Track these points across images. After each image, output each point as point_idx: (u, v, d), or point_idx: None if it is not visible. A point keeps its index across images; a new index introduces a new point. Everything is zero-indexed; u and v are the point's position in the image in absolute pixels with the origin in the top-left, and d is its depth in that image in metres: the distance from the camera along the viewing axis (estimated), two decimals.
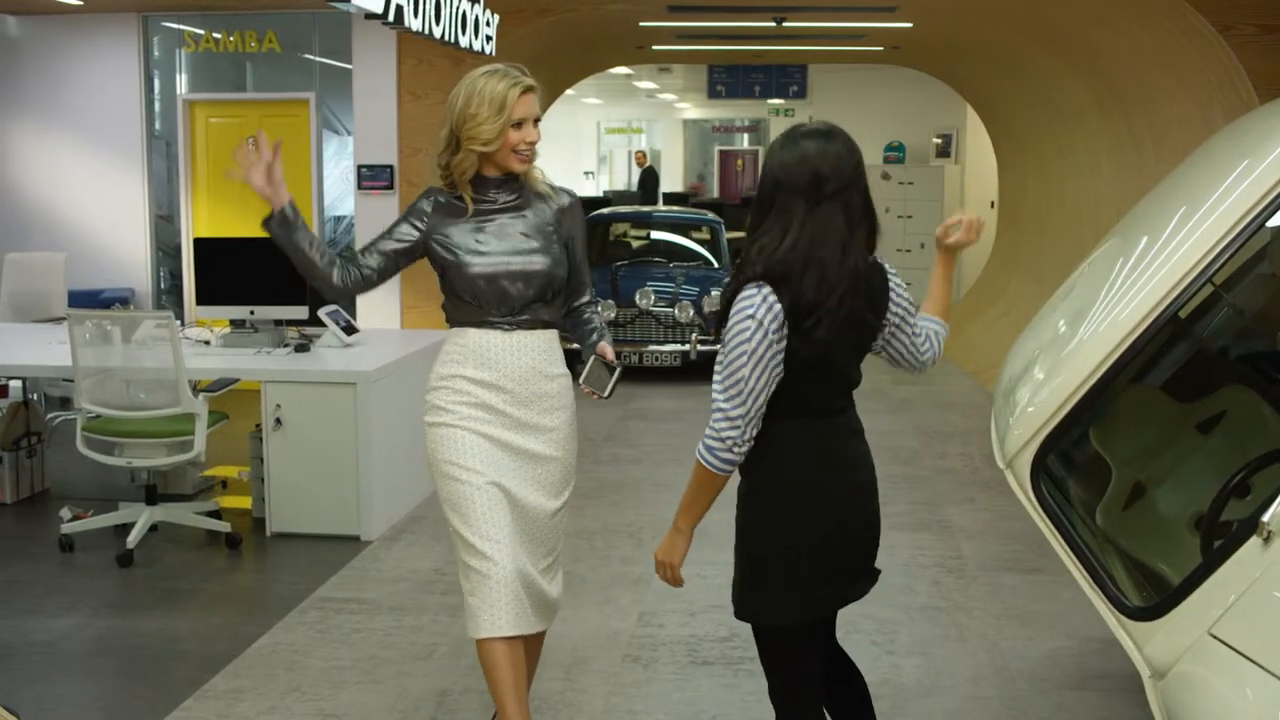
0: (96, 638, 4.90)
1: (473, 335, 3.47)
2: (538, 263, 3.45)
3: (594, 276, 12.28)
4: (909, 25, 10.65)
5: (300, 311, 6.70)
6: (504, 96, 3.34)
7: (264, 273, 6.63)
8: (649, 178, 21.57)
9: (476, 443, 3.43)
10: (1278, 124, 3.13)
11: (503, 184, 3.48)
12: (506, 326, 3.46)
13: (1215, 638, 2.47)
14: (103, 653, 4.76)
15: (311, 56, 10.10)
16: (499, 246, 3.43)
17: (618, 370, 3.53)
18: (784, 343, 2.61)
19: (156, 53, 10.14)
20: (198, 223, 10.16)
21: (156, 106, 10.18)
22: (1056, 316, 3.59)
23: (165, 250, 10.34)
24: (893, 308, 2.86)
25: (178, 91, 10.17)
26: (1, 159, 10.27)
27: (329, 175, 10.20)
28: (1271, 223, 3.17)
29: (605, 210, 13.26)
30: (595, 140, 28.13)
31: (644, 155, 23.91)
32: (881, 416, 9.10)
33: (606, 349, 3.55)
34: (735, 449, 2.66)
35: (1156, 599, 2.73)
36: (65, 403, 8.81)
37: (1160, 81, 8.63)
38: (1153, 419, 3.77)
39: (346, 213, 10.23)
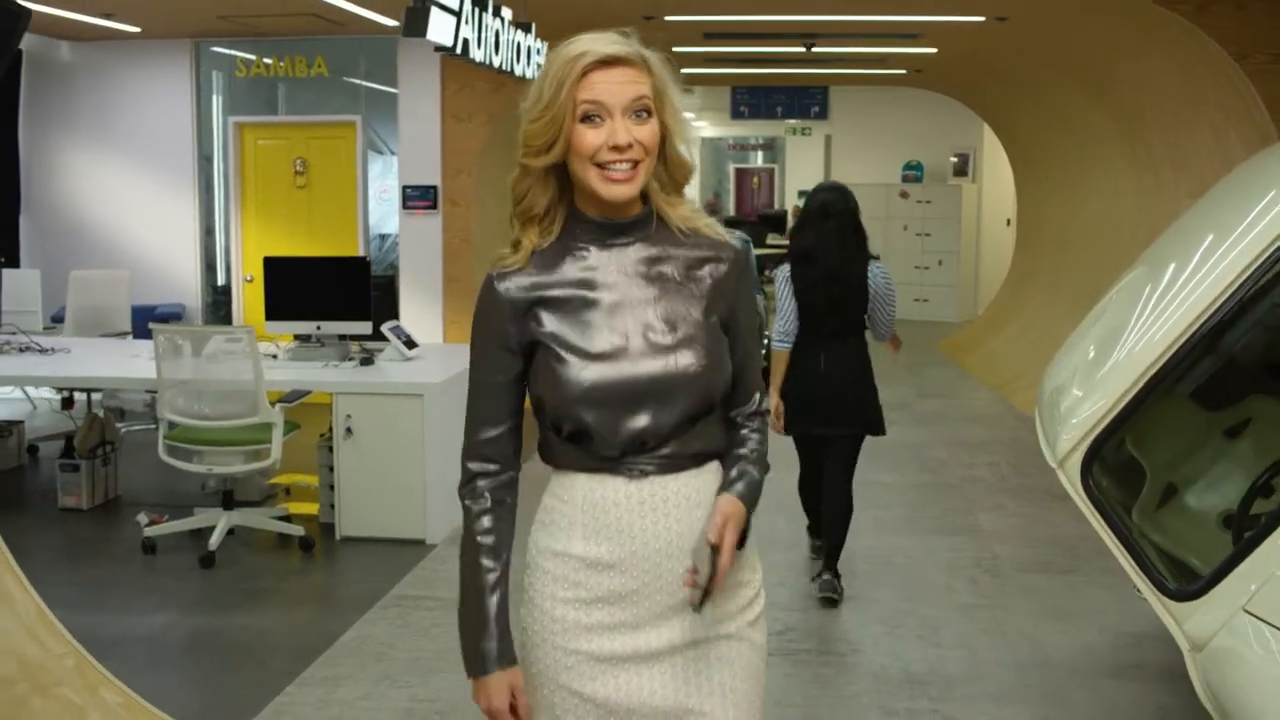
0: (192, 633, 5.25)
1: (582, 486, 2.15)
2: (686, 363, 2.12)
3: None
4: (933, 50, 11.02)
5: (364, 326, 7.07)
6: (564, 72, 2.06)
7: (330, 289, 7.01)
8: None
9: (578, 709, 2.17)
10: None
11: (620, 230, 2.16)
12: (634, 471, 2.14)
13: (1249, 613, 2.81)
14: (200, 646, 5.12)
15: (357, 80, 10.48)
16: (614, 338, 2.12)
17: (715, 560, 2.06)
18: (794, 294, 5.41)
19: (208, 77, 10.53)
20: (246, 241, 10.53)
21: (212, 130, 10.57)
22: (1090, 339, 3.94)
23: (212, 267, 10.72)
24: (871, 285, 5.42)
25: (228, 114, 10.56)
26: (59, 180, 10.67)
27: (373, 195, 10.58)
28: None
29: None
30: None
31: None
32: (910, 428, 9.43)
33: (726, 513, 2.10)
34: (784, 340, 5.46)
35: (1196, 583, 3.07)
36: (123, 414, 9.20)
37: (1178, 108, 8.98)
38: (1184, 427, 4.10)
39: (391, 231, 10.60)
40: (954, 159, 17.67)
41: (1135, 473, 3.97)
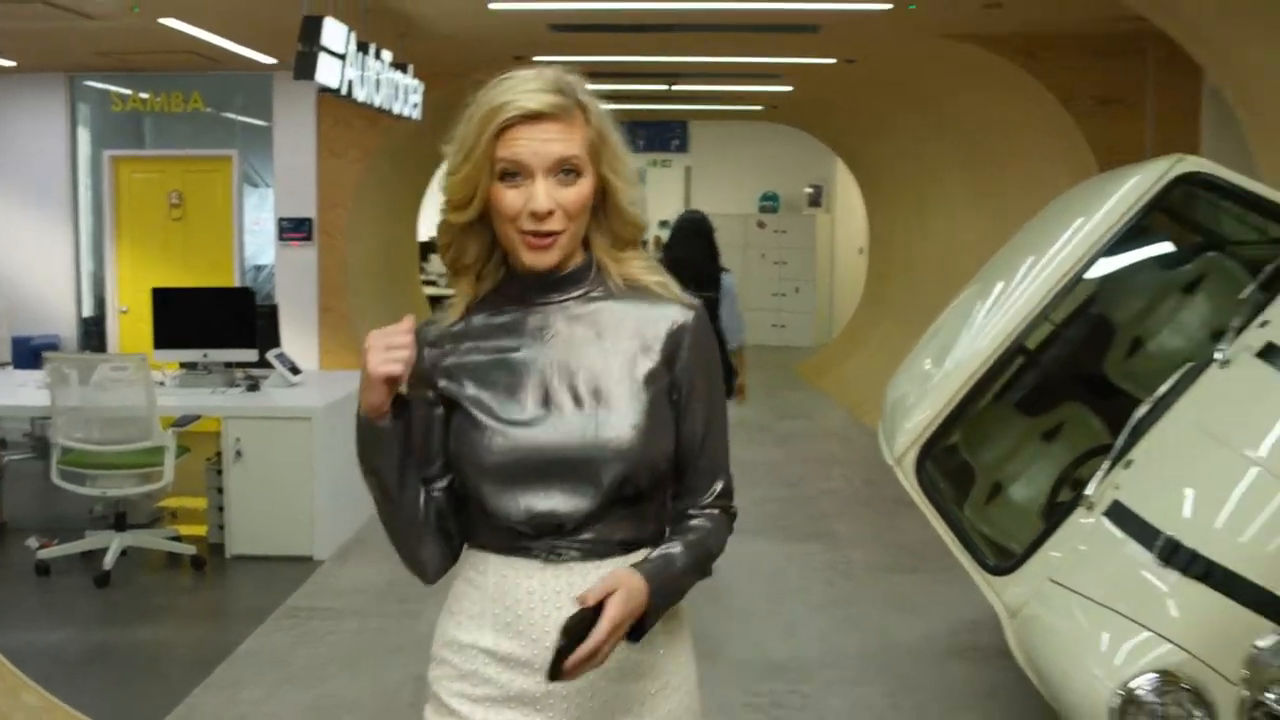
0: (94, 647, 5.49)
1: (495, 569, 1.94)
2: (610, 435, 1.89)
3: None
4: (789, 89, 11.65)
5: (249, 354, 7.33)
6: (483, 124, 1.87)
7: (216, 319, 7.28)
8: None
9: None
10: (1102, 192, 4.02)
11: (552, 285, 1.96)
12: (549, 554, 1.92)
13: (1054, 581, 3.31)
14: (102, 659, 5.36)
15: (233, 115, 10.72)
16: (531, 404, 1.92)
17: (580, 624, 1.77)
18: None
19: (83, 111, 10.67)
20: (121, 273, 10.67)
21: (87, 163, 10.70)
22: (926, 352, 4.46)
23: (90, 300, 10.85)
24: (722, 286, 6.26)
25: (101, 148, 10.71)
26: None
27: (248, 227, 10.81)
28: (1097, 273, 4.09)
29: None
30: None
31: None
32: (769, 448, 9.97)
33: (619, 582, 1.81)
34: None
35: (1011, 560, 3.59)
36: (4, 443, 9.28)
37: (1012, 143, 9.72)
38: (1008, 432, 4.64)
39: (267, 262, 10.84)
40: (809, 190, 18.41)
41: (967, 473, 4.50)
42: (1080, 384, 4.56)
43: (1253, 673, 2.70)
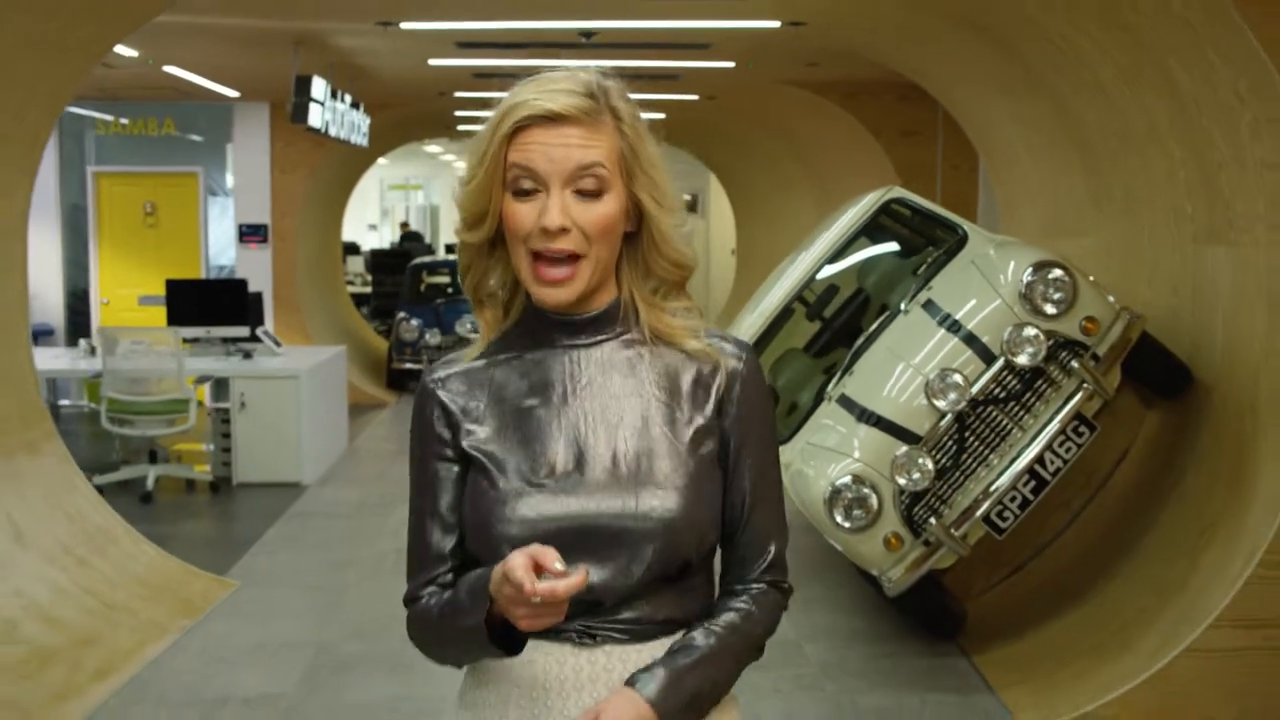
0: (157, 537, 7.56)
1: (518, 655, 1.68)
2: (651, 505, 1.67)
3: (418, 312, 15.77)
4: (663, 115, 13.98)
5: (242, 330, 9.41)
6: (494, 127, 1.66)
7: (217, 302, 9.37)
8: (412, 238, 24.67)
9: None
10: (845, 210, 6.32)
11: (579, 328, 1.74)
12: (583, 636, 1.70)
13: (809, 444, 5.58)
14: (166, 543, 7.43)
15: (199, 138, 12.74)
16: (563, 462, 1.70)
17: None
18: None
19: (70, 133, 12.60)
20: (103, 271, 12.63)
21: (70, 178, 12.64)
22: (748, 306, 6.72)
23: (75, 294, 12.78)
24: None
25: (87, 165, 12.65)
26: None
27: (213, 232, 12.84)
28: (853, 261, 6.41)
29: (425, 259, 16.09)
30: (379, 196, 30.87)
31: (406, 224, 27.24)
32: None
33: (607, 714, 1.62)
34: None
35: (788, 434, 5.87)
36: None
37: (841, 163, 12.14)
38: (802, 369, 6.93)
39: (228, 262, 12.87)
40: (687, 198, 20.82)
41: (773, 396, 6.78)
42: (847, 334, 6.87)
43: (894, 469, 5.00)
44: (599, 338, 1.73)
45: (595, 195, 1.64)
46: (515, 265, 1.68)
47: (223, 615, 5.99)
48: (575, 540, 1.64)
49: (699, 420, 1.72)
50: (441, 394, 1.75)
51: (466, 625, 1.63)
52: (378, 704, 4.89)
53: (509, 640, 1.64)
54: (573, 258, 1.65)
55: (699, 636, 1.69)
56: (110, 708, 4.82)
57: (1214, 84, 4.82)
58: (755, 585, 1.76)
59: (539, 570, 1.52)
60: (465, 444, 1.72)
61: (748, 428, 1.75)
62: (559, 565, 1.52)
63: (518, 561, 1.52)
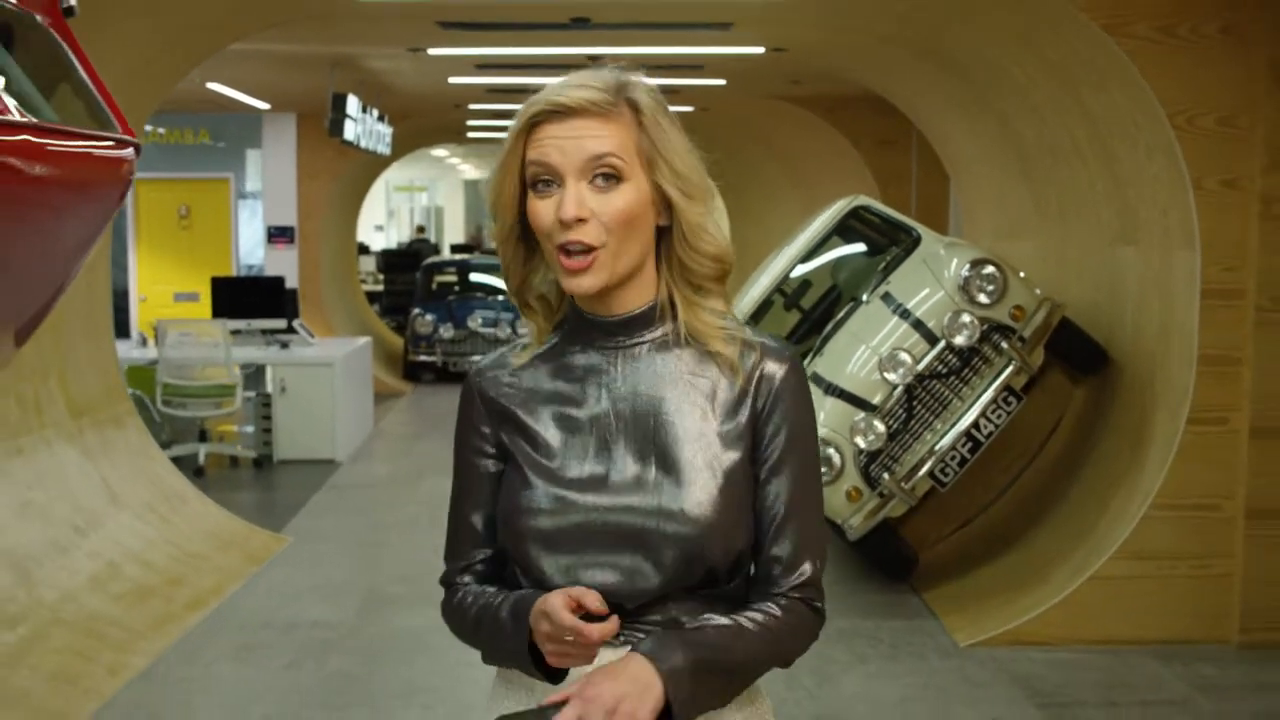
0: (217, 502, 8.56)
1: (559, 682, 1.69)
2: (676, 508, 1.66)
3: (431, 308, 16.85)
4: (690, 109, 15.02)
5: (279, 323, 10.41)
6: (519, 117, 1.69)
7: (256, 298, 10.36)
8: (421, 241, 25.43)
9: None
10: (817, 215, 7.31)
11: (614, 329, 1.75)
12: (615, 639, 1.64)
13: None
14: (226, 506, 8.43)
15: (228, 145, 13.74)
16: (592, 463, 1.71)
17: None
18: None
19: None
20: (140, 270, 13.62)
21: None
22: (738, 295, 7.71)
23: (116, 292, 13.76)
24: None
25: None
26: None
27: (243, 233, 13.83)
28: (820, 261, 7.40)
29: (437, 259, 17.08)
30: (385, 197, 31.85)
31: (423, 228, 27.97)
32: None
33: (621, 673, 1.56)
34: None
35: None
36: None
37: (822, 170, 13.15)
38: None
39: (256, 262, 13.87)
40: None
41: None
42: (821, 323, 7.86)
43: (853, 432, 5.99)
44: (636, 339, 1.72)
45: (612, 186, 1.65)
46: (549, 263, 1.69)
47: (283, 564, 6.98)
48: (601, 538, 1.65)
49: (732, 425, 1.69)
50: (484, 390, 1.79)
51: (509, 648, 1.68)
52: (423, 629, 5.87)
53: (551, 668, 1.66)
54: (589, 248, 1.64)
55: (719, 622, 1.65)
56: (204, 629, 5.81)
57: (1116, 111, 5.82)
58: (784, 598, 1.71)
59: (579, 610, 1.56)
60: (503, 439, 1.76)
61: (787, 435, 1.70)
62: (598, 605, 1.56)
63: (557, 602, 1.56)
